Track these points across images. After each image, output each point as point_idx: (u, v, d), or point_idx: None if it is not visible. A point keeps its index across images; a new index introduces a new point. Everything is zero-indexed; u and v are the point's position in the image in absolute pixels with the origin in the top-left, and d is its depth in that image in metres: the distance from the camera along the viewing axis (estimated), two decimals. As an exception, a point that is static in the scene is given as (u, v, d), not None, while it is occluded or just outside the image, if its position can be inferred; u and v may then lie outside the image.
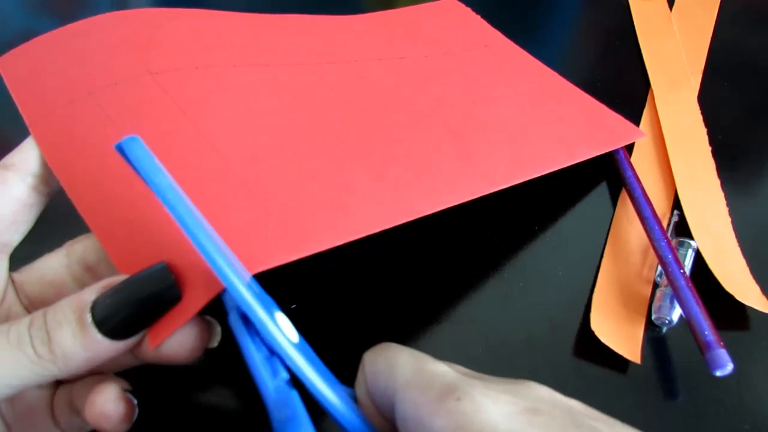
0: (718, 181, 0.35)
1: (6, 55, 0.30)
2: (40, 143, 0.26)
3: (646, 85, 0.40)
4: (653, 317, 0.30)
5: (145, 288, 0.21)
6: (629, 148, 0.37)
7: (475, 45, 0.38)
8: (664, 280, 0.30)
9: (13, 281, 0.25)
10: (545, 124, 0.33)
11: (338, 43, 0.34)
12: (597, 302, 0.30)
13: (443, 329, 0.30)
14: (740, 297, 0.29)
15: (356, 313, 0.30)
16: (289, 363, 0.19)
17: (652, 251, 0.32)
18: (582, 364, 0.29)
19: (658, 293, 0.30)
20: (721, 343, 0.26)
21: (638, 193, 0.33)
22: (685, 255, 0.31)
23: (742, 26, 0.44)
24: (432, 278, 0.31)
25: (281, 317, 0.20)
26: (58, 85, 0.28)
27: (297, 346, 0.20)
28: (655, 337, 0.30)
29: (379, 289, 0.31)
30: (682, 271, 0.29)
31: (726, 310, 0.30)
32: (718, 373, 0.26)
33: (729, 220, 0.33)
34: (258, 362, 0.19)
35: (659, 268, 0.31)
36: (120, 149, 0.20)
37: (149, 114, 0.26)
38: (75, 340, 0.20)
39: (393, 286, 0.31)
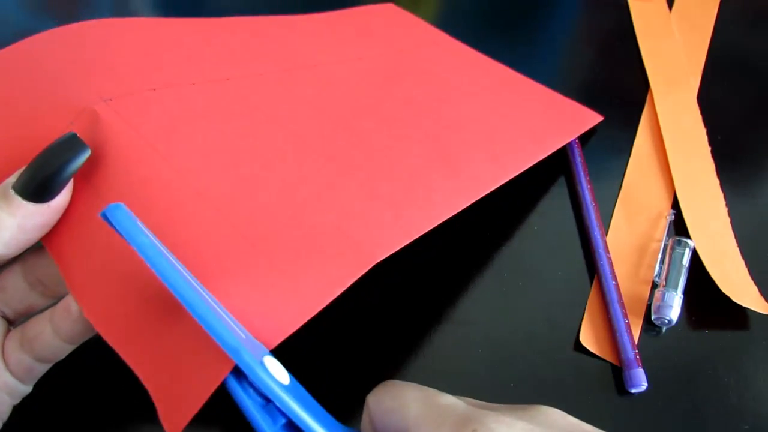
0: (717, 182, 0.35)
1: None
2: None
3: (645, 85, 0.40)
4: (653, 317, 0.30)
5: (55, 153, 0.22)
6: (629, 147, 0.37)
7: (425, 43, 0.38)
8: (662, 281, 0.30)
9: None
10: (511, 119, 0.33)
11: (292, 47, 0.34)
12: (591, 307, 0.30)
13: (443, 329, 0.30)
14: (737, 298, 0.29)
15: (356, 314, 0.30)
16: (282, 407, 0.19)
17: (651, 251, 0.32)
18: (581, 364, 0.29)
19: (657, 293, 0.30)
20: (639, 363, 0.28)
21: (583, 187, 0.34)
22: (683, 254, 0.31)
23: (742, 26, 0.44)
24: (432, 278, 0.31)
25: (271, 361, 0.20)
26: (5, 137, 0.25)
27: (288, 389, 0.20)
28: (654, 337, 0.30)
29: (379, 290, 0.31)
30: (615, 283, 0.30)
31: (726, 310, 0.30)
32: (633, 391, 0.28)
33: (728, 220, 0.33)
34: (254, 411, 0.19)
35: (658, 268, 0.31)
36: (105, 217, 0.21)
37: (114, 155, 0.24)
38: (1, 210, 0.22)
39: (393, 287, 0.31)
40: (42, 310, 0.25)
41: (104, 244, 0.23)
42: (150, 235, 0.21)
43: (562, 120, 0.35)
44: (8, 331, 0.25)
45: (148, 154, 0.24)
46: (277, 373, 0.20)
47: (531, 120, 0.34)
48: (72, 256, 0.23)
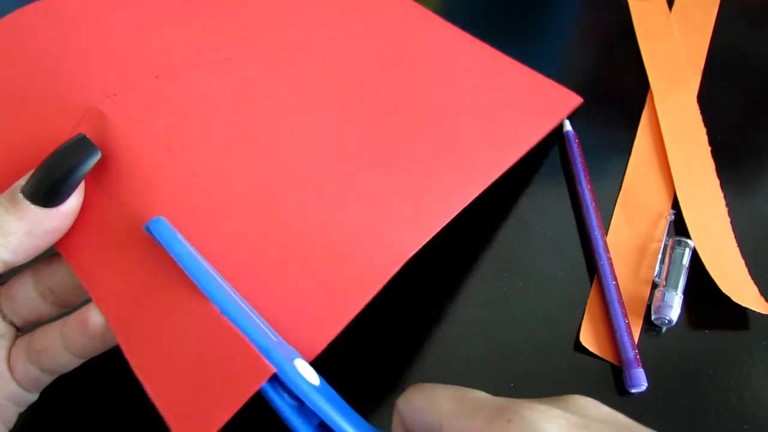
0: (717, 182, 0.35)
1: None
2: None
3: (645, 85, 0.40)
4: (653, 317, 0.30)
5: (65, 155, 0.22)
6: (629, 147, 0.37)
7: (410, 20, 0.37)
8: (662, 281, 0.30)
9: None
10: (502, 102, 0.33)
11: (285, 23, 0.33)
12: (591, 307, 0.30)
13: (443, 329, 0.30)
14: (737, 298, 0.29)
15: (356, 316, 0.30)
16: (313, 407, 0.19)
17: (651, 251, 0.32)
18: (582, 364, 0.29)
19: (657, 293, 0.30)
20: (640, 363, 0.28)
21: (583, 187, 0.34)
22: (683, 254, 0.31)
23: (742, 26, 0.44)
24: (431, 278, 0.31)
25: (301, 363, 0.20)
26: (10, 138, 0.24)
27: (319, 390, 0.20)
28: (654, 337, 0.30)
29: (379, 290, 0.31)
30: (615, 283, 0.30)
31: (726, 310, 0.30)
32: (633, 391, 0.28)
33: (728, 220, 0.33)
34: (289, 413, 0.20)
35: (658, 268, 0.31)
36: (148, 230, 0.21)
37: (124, 155, 0.23)
38: (8, 213, 0.21)
39: (392, 287, 0.31)
40: (51, 320, 0.25)
41: (123, 248, 0.22)
42: (189, 246, 0.21)
43: (548, 101, 0.35)
44: (16, 338, 0.25)
45: (160, 153, 0.24)
46: (308, 374, 0.20)
47: (519, 103, 0.34)
48: (91, 263, 0.23)
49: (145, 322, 0.21)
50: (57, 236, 0.22)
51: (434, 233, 0.25)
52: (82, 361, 0.24)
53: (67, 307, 0.25)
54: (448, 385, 0.20)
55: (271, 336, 0.20)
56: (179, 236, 0.21)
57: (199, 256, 0.21)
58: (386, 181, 0.26)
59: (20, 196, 0.21)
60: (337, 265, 0.23)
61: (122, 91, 0.25)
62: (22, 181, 0.22)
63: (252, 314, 0.21)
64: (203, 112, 0.25)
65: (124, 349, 0.21)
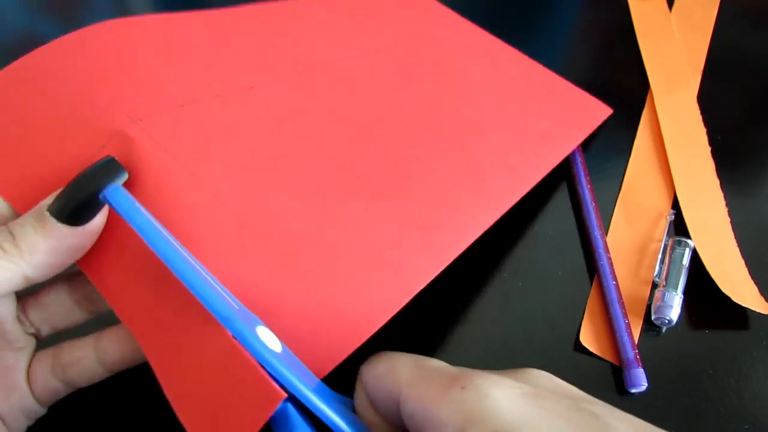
0: (717, 182, 0.35)
1: None
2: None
3: (645, 85, 0.40)
4: (653, 317, 0.30)
5: (93, 176, 0.22)
6: (629, 147, 0.37)
7: (435, 26, 0.37)
8: (662, 281, 0.30)
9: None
10: (528, 118, 0.33)
11: (308, 40, 0.33)
12: (591, 307, 0.30)
13: (443, 329, 0.30)
14: (737, 298, 0.29)
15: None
16: (271, 370, 0.19)
17: (651, 251, 0.32)
18: (582, 364, 0.29)
19: (657, 293, 0.30)
20: (640, 363, 0.28)
21: (583, 187, 0.34)
22: (683, 254, 0.31)
23: (742, 26, 0.44)
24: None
25: (263, 330, 0.20)
26: (36, 158, 0.24)
27: (281, 356, 0.20)
28: (654, 337, 0.30)
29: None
30: (615, 283, 0.30)
31: (726, 310, 0.30)
32: (633, 391, 0.28)
33: (728, 220, 0.33)
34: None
35: (658, 268, 0.31)
36: (104, 198, 0.21)
37: (149, 178, 0.24)
38: (35, 231, 0.21)
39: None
40: (77, 327, 0.25)
41: (146, 270, 0.22)
42: (149, 216, 0.21)
43: (575, 115, 0.35)
44: (35, 350, 0.25)
45: (183, 177, 0.24)
46: (270, 341, 0.20)
47: (546, 118, 0.33)
48: (115, 284, 0.23)
49: (168, 343, 0.21)
50: (80, 254, 0.22)
51: (446, 265, 0.25)
52: (110, 374, 0.25)
53: (98, 313, 0.25)
54: (409, 354, 0.21)
55: (233, 304, 0.21)
56: (137, 205, 0.21)
57: (159, 226, 0.21)
58: (401, 211, 0.26)
59: (47, 214, 0.21)
60: (348, 294, 0.23)
61: (148, 117, 0.25)
62: (49, 200, 0.22)
63: (215, 284, 0.21)
64: (226, 140, 0.26)
65: (153, 366, 0.21)
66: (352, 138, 0.28)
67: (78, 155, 0.24)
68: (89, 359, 0.24)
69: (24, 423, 0.24)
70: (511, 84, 0.35)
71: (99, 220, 0.22)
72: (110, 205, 0.21)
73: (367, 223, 0.25)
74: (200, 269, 0.21)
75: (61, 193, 0.22)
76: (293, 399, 0.19)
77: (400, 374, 0.20)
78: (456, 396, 0.18)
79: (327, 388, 0.21)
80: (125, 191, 0.21)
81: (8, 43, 0.42)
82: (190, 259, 0.21)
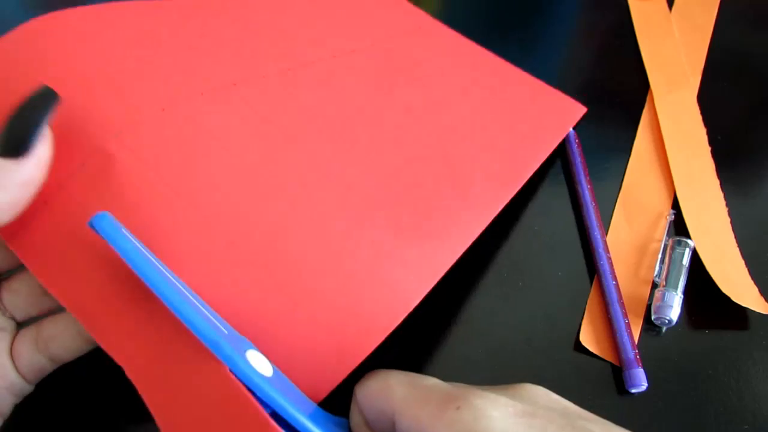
0: (717, 182, 0.35)
1: None
2: (28, 262, 0.23)
3: (645, 85, 0.40)
4: (653, 317, 0.30)
5: (24, 106, 0.21)
6: (629, 147, 0.37)
7: (412, 28, 0.37)
8: (662, 281, 0.30)
9: None
10: (507, 121, 0.32)
11: (288, 36, 0.32)
12: (591, 307, 0.30)
13: (443, 329, 0.30)
14: (737, 298, 0.29)
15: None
16: (262, 396, 0.19)
17: (651, 251, 0.32)
18: (582, 364, 0.29)
19: (657, 293, 0.30)
20: (640, 363, 0.28)
21: (583, 187, 0.34)
22: (683, 254, 0.31)
23: (742, 26, 0.44)
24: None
25: (254, 354, 0.20)
26: None
27: (271, 380, 0.20)
28: (654, 337, 0.30)
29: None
30: (615, 283, 0.30)
31: (726, 310, 0.30)
32: (633, 391, 0.28)
33: (728, 220, 0.33)
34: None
35: (658, 268, 0.31)
36: (91, 226, 0.20)
37: (131, 197, 0.23)
38: None
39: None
40: (52, 313, 0.25)
41: (132, 296, 0.22)
42: (135, 241, 0.21)
43: (552, 116, 0.34)
44: (17, 332, 0.25)
45: (167, 196, 0.23)
46: (260, 365, 0.20)
47: (524, 120, 0.33)
48: (100, 313, 0.22)
49: (158, 372, 0.21)
50: (31, 189, 0.22)
51: (439, 277, 0.25)
52: (91, 347, 0.25)
53: None
54: (404, 372, 0.21)
55: (222, 329, 0.20)
56: (125, 231, 0.21)
57: (147, 252, 0.21)
58: (392, 221, 0.25)
59: None
60: (342, 314, 0.23)
61: (127, 128, 0.24)
62: None
63: (203, 308, 0.21)
64: (210, 148, 0.24)
65: (143, 395, 0.21)
66: (338, 144, 0.27)
67: (56, 173, 0.22)
68: (70, 332, 0.24)
69: (10, 401, 0.24)
70: (487, 87, 0.34)
71: (43, 149, 0.21)
72: (96, 231, 0.20)
73: (357, 236, 0.24)
74: (188, 293, 0.21)
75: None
76: (287, 425, 0.19)
77: (395, 393, 0.20)
78: (452, 416, 0.18)
79: (320, 410, 0.21)
80: (111, 217, 0.21)
81: (8, 43, 0.42)
82: (178, 284, 0.21)
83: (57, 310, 0.25)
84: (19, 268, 0.25)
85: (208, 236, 0.23)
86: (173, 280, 0.21)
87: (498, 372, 0.28)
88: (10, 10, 0.44)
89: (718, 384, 0.28)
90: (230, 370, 0.19)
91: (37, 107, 0.21)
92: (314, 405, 0.21)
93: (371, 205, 0.25)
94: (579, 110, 0.36)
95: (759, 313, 0.29)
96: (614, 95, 0.39)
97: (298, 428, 0.19)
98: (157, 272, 0.20)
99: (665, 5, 0.45)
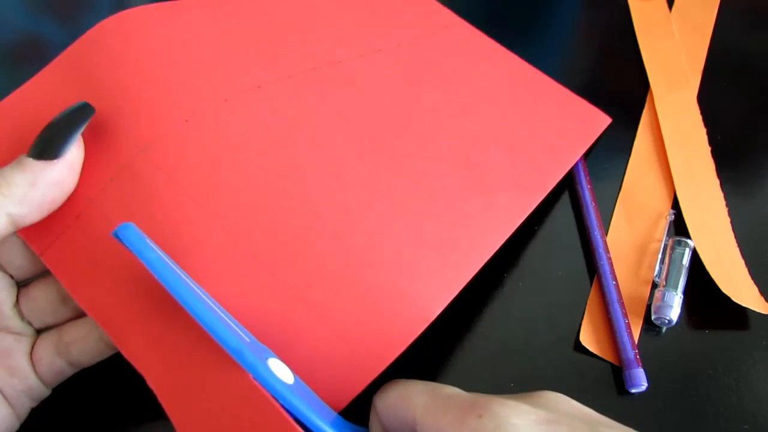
0: (717, 182, 0.35)
1: None
2: (57, 272, 0.24)
3: (645, 85, 0.40)
4: (653, 317, 0.30)
5: (62, 115, 0.24)
6: (629, 147, 0.37)
7: (438, 27, 0.36)
8: (662, 281, 0.30)
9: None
10: (532, 128, 0.32)
11: (313, 35, 0.31)
12: (591, 307, 0.30)
13: (443, 329, 0.30)
14: (737, 298, 0.29)
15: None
16: (284, 403, 0.19)
17: (651, 251, 0.32)
18: (582, 364, 0.29)
19: (657, 293, 0.30)
20: (640, 363, 0.28)
21: (583, 187, 0.34)
22: (683, 254, 0.31)
23: (742, 26, 0.44)
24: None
25: (275, 362, 0.20)
26: None
27: (293, 388, 0.20)
28: (654, 337, 0.30)
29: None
30: (615, 283, 0.30)
31: (726, 310, 0.30)
32: (633, 391, 0.28)
33: (728, 220, 0.33)
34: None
35: (658, 268, 0.31)
36: (116, 236, 0.21)
37: (157, 212, 0.23)
38: (12, 169, 0.22)
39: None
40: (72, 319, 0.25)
41: (154, 308, 0.22)
42: (159, 252, 0.21)
43: (577, 125, 0.34)
44: (36, 337, 0.25)
45: (192, 209, 0.23)
46: (281, 373, 0.20)
47: (550, 128, 0.33)
48: (122, 323, 0.22)
49: (180, 382, 0.21)
50: (61, 190, 0.23)
51: (460, 288, 0.24)
52: (112, 352, 0.25)
53: (83, 312, 0.25)
54: (423, 381, 0.21)
55: (244, 337, 0.20)
56: (148, 241, 0.21)
57: (170, 262, 0.21)
58: (414, 231, 0.25)
59: (24, 156, 0.23)
60: (363, 324, 0.23)
61: (153, 142, 0.24)
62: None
63: (226, 317, 0.21)
64: (233, 158, 0.25)
65: (164, 405, 0.21)
66: (363, 149, 0.27)
67: (87, 188, 0.24)
68: (92, 337, 0.25)
69: (28, 404, 0.25)
70: (513, 92, 0.34)
71: (74, 152, 0.23)
72: (121, 241, 0.21)
73: (380, 246, 0.24)
74: (211, 303, 0.21)
75: (35, 139, 0.23)
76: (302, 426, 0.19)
77: (415, 402, 0.20)
78: (474, 424, 0.18)
79: (341, 419, 0.21)
80: (136, 228, 0.21)
81: (8, 43, 0.42)
82: (201, 294, 0.21)
83: (73, 319, 0.25)
84: (37, 277, 0.25)
85: (231, 247, 0.23)
86: (196, 289, 0.21)
87: (498, 372, 0.28)
88: (11, 10, 0.44)
89: (718, 384, 0.28)
90: (253, 378, 0.19)
91: (71, 118, 0.23)
92: (335, 414, 0.21)
93: (394, 214, 0.25)
94: (604, 120, 0.36)
95: (759, 313, 0.29)
96: (614, 95, 0.39)
97: None
98: (180, 281, 0.20)
99: (665, 5, 0.45)
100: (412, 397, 0.20)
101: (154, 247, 0.21)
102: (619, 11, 0.45)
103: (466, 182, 0.28)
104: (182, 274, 0.21)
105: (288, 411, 0.19)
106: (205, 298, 0.21)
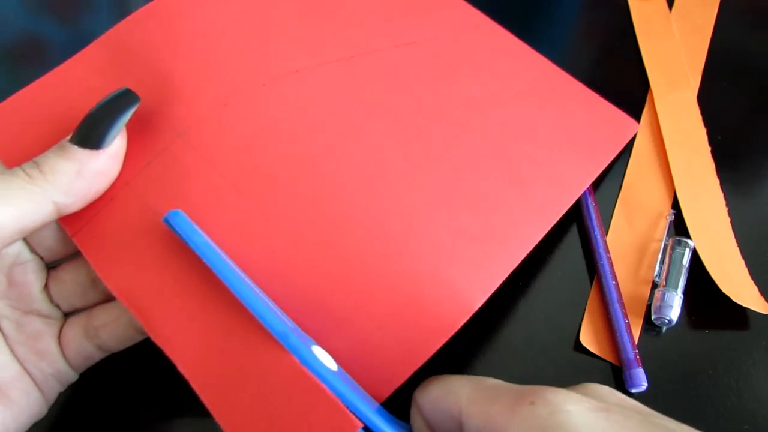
0: (717, 182, 0.35)
1: None
2: (88, 254, 0.24)
3: (645, 85, 0.40)
4: (653, 317, 0.30)
5: (107, 103, 0.23)
6: (629, 147, 0.37)
7: (469, 26, 0.36)
8: (662, 281, 0.30)
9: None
10: (564, 128, 0.32)
11: (349, 23, 0.31)
12: (591, 307, 0.30)
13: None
14: (737, 298, 0.29)
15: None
16: (330, 388, 0.19)
17: (651, 251, 0.32)
18: (582, 364, 0.29)
19: (657, 293, 0.30)
20: (640, 363, 0.28)
21: (587, 198, 0.33)
22: (683, 254, 0.31)
23: (742, 26, 0.44)
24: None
25: (318, 350, 0.20)
26: None
27: (338, 375, 0.20)
28: (654, 337, 0.30)
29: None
30: (615, 283, 0.30)
31: (726, 310, 0.30)
32: (633, 391, 0.28)
33: (728, 220, 0.33)
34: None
35: (658, 268, 0.31)
36: (167, 222, 0.21)
37: (195, 195, 0.23)
38: (57, 156, 0.22)
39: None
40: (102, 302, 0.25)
41: (194, 295, 0.22)
42: (207, 237, 0.22)
43: (607, 129, 0.34)
44: (64, 320, 0.25)
45: (230, 194, 0.23)
46: (326, 360, 0.20)
47: (580, 130, 0.32)
48: (159, 312, 0.22)
49: (218, 367, 0.21)
50: (105, 180, 0.23)
51: (501, 280, 0.24)
52: (141, 338, 0.25)
53: (112, 296, 0.25)
54: (464, 375, 0.21)
55: (288, 322, 0.21)
56: (197, 228, 0.22)
57: (218, 249, 0.21)
58: (454, 220, 0.25)
59: (68, 143, 0.23)
60: (405, 314, 0.22)
61: (192, 126, 0.25)
62: (69, 136, 0.23)
63: (269, 302, 0.21)
64: (271, 143, 0.25)
65: (201, 394, 0.21)
66: (400, 138, 0.27)
67: (124, 171, 0.24)
68: (122, 321, 0.25)
69: (56, 388, 0.25)
70: (545, 93, 0.34)
71: (118, 143, 0.23)
72: (172, 227, 0.21)
73: (419, 235, 0.24)
74: (257, 290, 0.21)
75: (79, 124, 0.23)
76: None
77: (460, 394, 0.20)
78: (526, 411, 0.18)
79: (383, 410, 0.21)
80: (185, 215, 0.22)
81: (8, 43, 0.42)
82: (246, 279, 0.21)
83: (102, 303, 0.26)
84: (66, 260, 0.25)
85: (270, 234, 0.23)
86: (241, 274, 0.21)
87: (498, 372, 0.28)
88: (11, 10, 0.44)
89: (718, 384, 0.28)
90: (299, 362, 0.19)
91: (118, 106, 0.23)
92: (377, 404, 0.21)
93: (432, 203, 0.25)
94: (633, 126, 0.35)
95: (759, 313, 0.29)
96: (614, 95, 0.39)
97: (365, 422, 0.19)
98: (227, 266, 0.20)
99: (665, 5, 0.45)
100: (457, 390, 0.20)
101: (201, 232, 0.21)
102: (619, 11, 0.45)
103: (502, 174, 0.27)
104: (228, 260, 0.21)
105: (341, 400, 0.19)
106: (250, 283, 0.21)
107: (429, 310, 0.23)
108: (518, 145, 0.29)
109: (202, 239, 0.21)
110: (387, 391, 0.22)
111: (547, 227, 0.27)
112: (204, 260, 0.20)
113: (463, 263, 0.24)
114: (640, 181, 0.35)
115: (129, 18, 0.28)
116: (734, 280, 0.31)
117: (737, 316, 0.30)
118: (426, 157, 0.26)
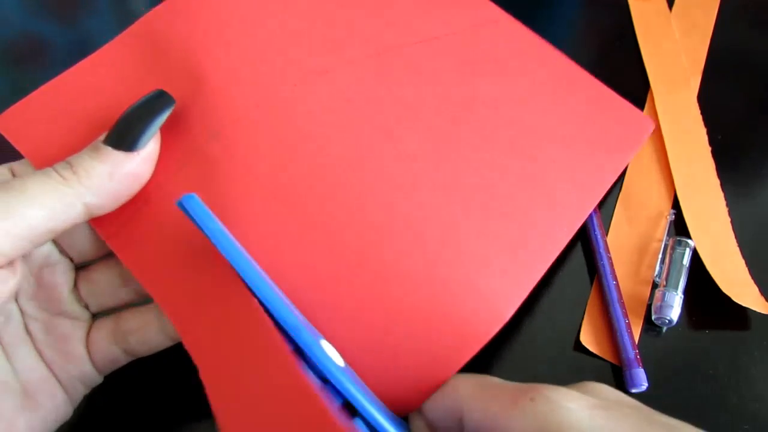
0: (717, 182, 0.35)
1: (7, 116, 0.25)
2: (125, 259, 0.23)
3: (645, 85, 0.40)
4: (653, 317, 0.30)
5: (141, 105, 0.23)
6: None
7: (488, 21, 0.35)
8: (662, 281, 0.30)
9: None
10: (585, 129, 0.31)
11: (372, 18, 0.31)
12: (591, 307, 0.30)
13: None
14: (737, 298, 0.29)
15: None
16: (337, 384, 0.19)
17: (651, 251, 0.32)
18: (582, 364, 0.29)
19: (657, 293, 0.30)
20: (640, 363, 0.28)
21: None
22: (683, 254, 0.31)
23: (742, 26, 0.44)
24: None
25: (327, 345, 0.20)
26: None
27: (345, 371, 0.20)
28: (654, 337, 0.30)
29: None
30: (615, 283, 0.30)
31: (726, 310, 0.30)
32: (633, 391, 0.28)
33: (728, 220, 0.33)
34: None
35: (658, 267, 0.31)
36: (180, 206, 0.21)
37: (231, 206, 0.23)
38: (91, 158, 0.22)
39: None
40: (132, 305, 0.25)
41: (219, 296, 0.22)
42: (221, 225, 0.21)
43: (626, 127, 0.33)
44: (92, 322, 0.25)
45: (265, 199, 0.23)
46: (334, 356, 0.20)
47: (601, 128, 0.32)
48: (185, 309, 0.22)
49: (229, 371, 0.21)
50: (137, 183, 0.23)
51: (531, 288, 0.24)
52: (170, 344, 0.25)
53: (144, 295, 0.25)
54: (465, 373, 0.21)
55: (300, 316, 0.20)
56: (212, 214, 0.21)
57: (231, 236, 0.21)
58: (485, 227, 0.25)
59: (101, 144, 0.22)
60: (437, 322, 0.22)
61: (226, 128, 0.24)
62: (102, 137, 0.23)
63: (281, 294, 0.21)
64: (304, 145, 0.24)
65: (210, 398, 0.20)
66: (429, 141, 0.26)
67: (159, 173, 0.24)
68: (152, 327, 0.24)
69: (81, 390, 0.25)
70: (564, 91, 0.34)
71: (152, 146, 0.23)
72: (185, 211, 0.21)
73: (452, 243, 0.24)
74: (268, 279, 0.21)
75: (113, 126, 0.23)
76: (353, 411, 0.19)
77: (461, 392, 0.20)
78: (527, 407, 0.18)
79: (385, 407, 0.21)
80: (199, 199, 0.21)
81: (8, 43, 0.42)
82: (261, 272, 0.21)
83: (133, 303, 0.25)
84: (97, 260, 0.25)
85: (303, 240, 0.23)
86: (258, 268, 0.21)
87: (498, 372, 0.28)
88: (10, 10, 0.44)
89: (718, 384, 0.28)
90: (298, 365, 0.19)
91: (153, 108, 0.23)
92: (380, 401, 0.21)
93: (464, 208, 0.25)
94: (649, 124, 0.35)
95: (759, 313, 0.29)
96: (614, 95, 0.39)
97: (368, 419, 0.19)
98: (241, 254, 0.20)
99: (665, 5, 0.45)
100: (458, 388, 0.20)
101: (217, 220, 0.21)
102: (619, 11, 0.45)
103: (528, 177, 0.27)
104: (244, 251, 0.21)
105: (339, 392, 0.19)
106: (265, 276, 0.21)
107: (463, 318, 0.22)
108: (542, 147, 0.29)
109: (215, 224, 0.21)
110: (418, 402, 0.21)
111: (572, 232, 0.27)
112: (216, 245, 0.20)
113: (495, 272, 0.24)
114: (640, 181, 0.35)
115: (152, 12, 0.27)
116: (734, 280, 0.31)
117: (737, 316, 0.30)
118: (455, 161, 0.26)
